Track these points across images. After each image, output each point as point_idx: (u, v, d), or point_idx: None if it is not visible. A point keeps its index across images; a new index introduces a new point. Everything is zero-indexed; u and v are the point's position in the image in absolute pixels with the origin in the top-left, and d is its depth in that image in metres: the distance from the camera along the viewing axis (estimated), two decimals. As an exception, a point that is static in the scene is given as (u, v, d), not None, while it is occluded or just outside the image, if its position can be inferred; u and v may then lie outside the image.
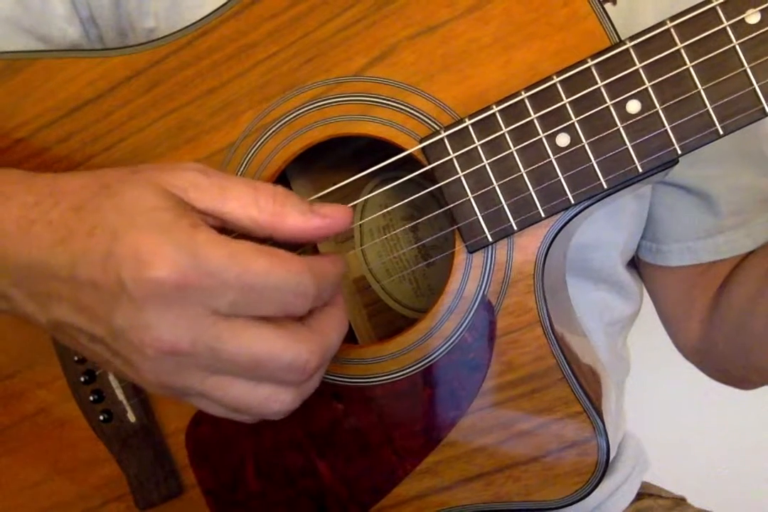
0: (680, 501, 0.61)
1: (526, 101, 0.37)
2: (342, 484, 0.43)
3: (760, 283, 0.51)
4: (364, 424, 0.42)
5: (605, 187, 0.37)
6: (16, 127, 0.45)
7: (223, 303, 0.31)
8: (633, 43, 0.35)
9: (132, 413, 0.46)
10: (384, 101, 0.40)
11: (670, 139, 0.36)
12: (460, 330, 0.40)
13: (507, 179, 0.38)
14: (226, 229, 0.34)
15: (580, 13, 0.37)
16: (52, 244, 0.33)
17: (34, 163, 0.45)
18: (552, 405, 0.39)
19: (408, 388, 0.41)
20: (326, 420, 0.43)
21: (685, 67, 0.35)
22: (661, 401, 1.00)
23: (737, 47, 0.34)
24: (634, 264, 0.60)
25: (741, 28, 0.34)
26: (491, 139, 0.38)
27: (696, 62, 0.35)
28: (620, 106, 0.36)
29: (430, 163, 0.39)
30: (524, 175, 0.38)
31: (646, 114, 0.36)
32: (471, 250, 0.39)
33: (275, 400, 0.33)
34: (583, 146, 0.37)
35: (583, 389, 0.39)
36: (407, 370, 0.41)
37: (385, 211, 0.47)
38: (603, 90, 0.36)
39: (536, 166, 0.37)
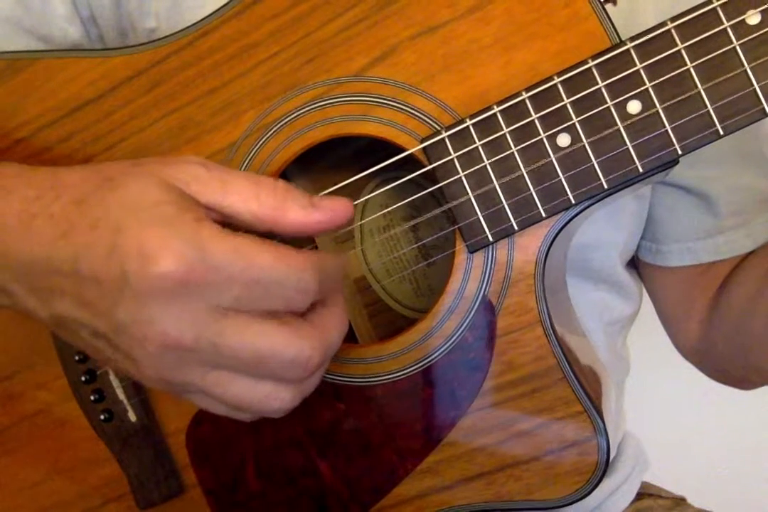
0: (680, 501, 0.61)
1: (527, 101, 0.37)
2: (343, 484, 0.43)
3: (760, 283, 0.51)
4: (365, 424, 0.42)
5: (606, 187, 0.37)
6: (16, 126, 0.45)
7: (228, 298, 0.31)
8: (634, 43, 0.36)
9: (133, 412, 0.46)
10: (385, 101, 0.40)
11: (671, 139, 0.36)
12: (461, 329, 0.40)
13: (508, 179, 0.38)
14: (228, 223, 0.34)
15: (581, 13, 0.37)
16: (54, 238, 0.33)
17: (34, 162, 0.45)
18: (552, 405, 0.39)
19: (409, 388, 0.41)
20: (327, 419, 0.43)
21: (685, 68, 0.35)
22: (661, 401, 1.00)
23: (738, 48, 0.35)
24: (634, 264, 0.60)
25: (741, 28, 0.34)
26: (492, 139, 0.38)
27: (696, 63, 0.35)
28: (621, 107, 0.36)
29: (431, 163, 0.39)
30: (525, 174, 0.38)
31: (646, 114, 0.36)
32: (472, 250, 0.39)
33: (275, 398, 0.33)
34: (584, 146, 0.37)
35: (584, 389, 0.39)
36: (408, 370, 0.41)
37: (385, 211, 0.47)
38: (604, 90, 0.36)
39: (537, 165, 0.37)
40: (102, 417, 0.47)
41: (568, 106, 0.37)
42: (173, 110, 0.43)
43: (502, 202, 0.38)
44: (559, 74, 0.36)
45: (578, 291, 0.53)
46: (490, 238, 0.39)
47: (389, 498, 0.42)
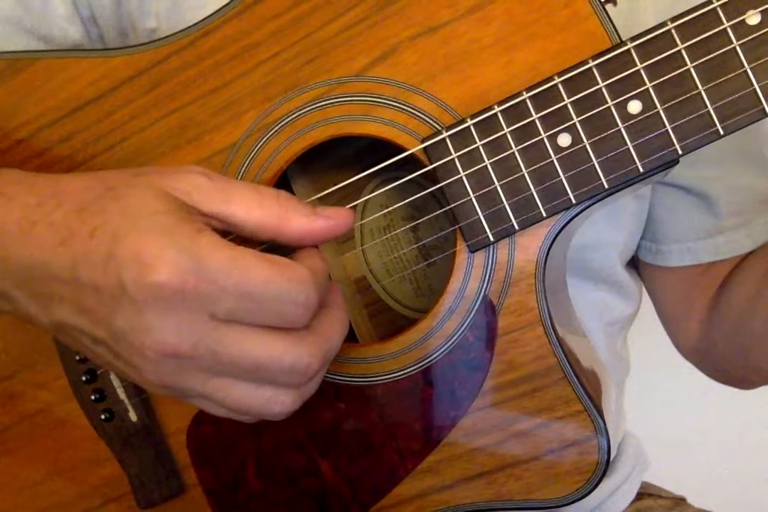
0: (680, 501, 0.61)
1: (528, 101, 0.37)
2: (343, 484, 0.43)
3: (760, 283, 0.51)
4: (365, 423, 0.42)
5: (606, 186, 0.37)
6: (17, 126, 0.45)
7: (221, 309, 0.31)
8: (634, 43, 0.36)
9: (133, 412, 0.46)
10: (386, 101, 0.40)
11: (671, 139, 0.36)
12: (462, 329, 0.40)
13: (508, 179, 0.38)
14: (230, 232, 0.34)
15: (582, 13, 0.37)
16: (54, 245, 0.33)
17: (35, 163, 0.45)
18: (553, 405, 0.39)
19: (409, 387, 0.41)
20: (327, 419, 0.43)
21: (686, 68, 0.35)
22: (661, 401, 1.00)
23: (738, 48, 0.35)
24: (634, 264, 0.60)
25: (741, 29, 0.35)
26: (493, 139, 0.38)
27: (697, 63, 0.35)
28: (621, 107, 0.36)
29: (431, 163, 0.39)
30: (526, 174, 0.38)
31: (647, 114, 0.36)
32: (472, 250, 0.39)
33: (276, 402, 0.34)
34: (585, 146, 0.37)
35: (584, 388, 0.39)
36: (408, 369, 0.41)
37: (386, 211, 0.47)
38: (604, 90, 0.36)
39: (538, 165, 0.37)
40: (102, 416, 0.47)
41: (569, 106, 0.37)
42: (174, 110, 0.43)
43: (502, 202, 0.38)
44: (560, 74, 0.37)
45: (578, 291, 0.53)
46: (491, 238, 0.39)
47: (390, 498, 0.42)
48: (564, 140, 0.37)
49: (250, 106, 0.42)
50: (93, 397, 0.46)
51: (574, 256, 0.46)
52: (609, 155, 0.37)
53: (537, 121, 0.37)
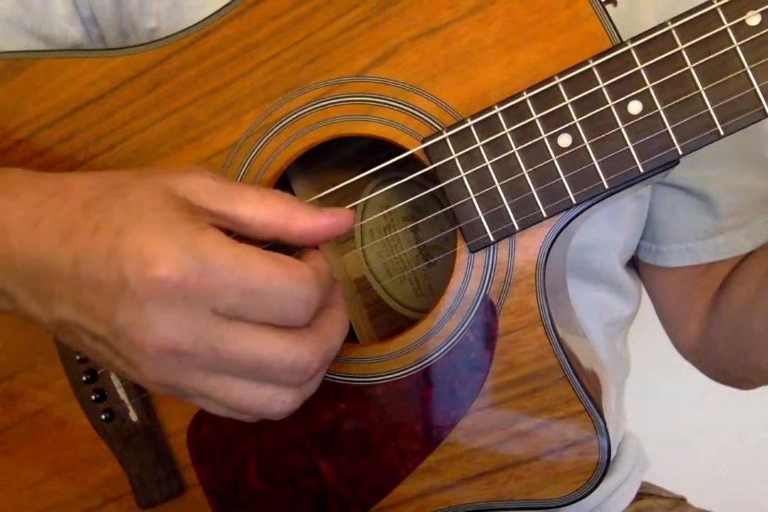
0: (680, 501, 0.61)
1: (528, 102, 0.37)
2: (344, 483, 0.43)
3: (760, 284, 0.51)
4: (366, 423, 0.42)
5: (606, 187, 0.37)
6: (17, 126, 0.45)
7: (222, 305, 0.31)
8: (635, 44, 0.36)
9: (134, 412, 0.46)
10: (386, 101, 0.40)
11: (671, 140, 0.36)
12: (462, 329, 0.40)
13: (509, 179, 0.38)
14: (235, 232, 0.35)
15: (582, 14, 0.37)
16: (57, 241, 0.33)
17: (36, 163, 0.45)
18: (553, 405, 0.39)
19: (409, 387, 0.41)
20: (328, 419, 0.43)
21: (686, 68, 0.35)
22: (661, 401, 1.00)
23: (738, 48, 0.35)
24: (633, 264, 0.60)
25: (742, 29, 0.35)
26: (493, 140, 0.38)
27: (697, 63, 0.35)
28: (622, 107, 0.36)
29: (432, 163, 0.39)
30: (526, 175, 0.38)
31: (647, 114, 0.36)
32: (473, 250, 0.39)
33: (276, 401, 0.34)
34: (585, 146, 0.37)
35: (585, 388, 0.39)
36: (409, 369, 0.41)
37: (386, 211, 0.47)
38: (605, 91, 0.36)
39: (538, 166, 0.38)
40: (103, 416, 0.47)
41: (569, 106, 0.37)
42: (174, 110, 0.43)
43: (503, 202, 0.38)
44: (560, 74, 0.37)
45: (578, 291, 0.53)
46: (491, 238, 0.39)
47: (390, 498, 0.42)
48: (564, 140, 0.37)
49: (251, 106, 0.42)
50: (93, 397, 0.46)
51: (574, 256, 0.46)
52: (609, 155, 0.37)
53: (537, 122, 0.37)
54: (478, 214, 0.39)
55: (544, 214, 0.38)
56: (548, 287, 0.40)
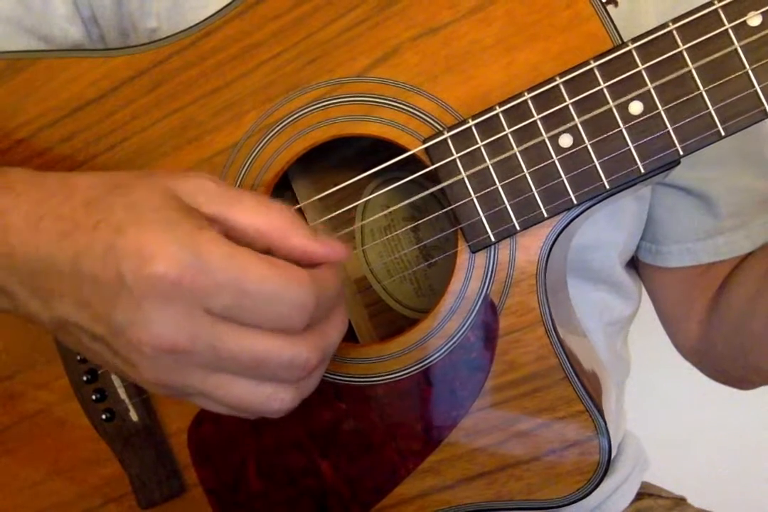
0: (680, 501, 0.61)
1: (529, 102, 0.37)
2: (344, 484, 0.43)
3: (759, 284, 0.51)
4: (366, 424, 0.42)
5: (607, 187, 0.37)
6: (18, 126, 0.45)
7: (217, 305, 0.31)
8: (636, 44, 0.36)
9: (134, 412, 0.46)
10: (387, 102, 0.40)
11: (672, 140, 0.36)
12: (463, 329, 0.40)
13: (510, 179, 0.38)
14: (229, 237, 0.34)
15: (583, 14, 0.37)
16: (58, 238, 0.33)
17: (36, 163, 0.45)
18: (554, 405, 0.39)
19: (410, 388, 0.41)
20: (328, 419, 0.43)
21: (687, 69, 0.35)
22: (661, 401, 1.00)
23: (739, 49, 0.35)
24: (633, 264, 0.60)
25: (742, 30, 0.35)
26: (494, 140, 0.38)
27: (698, 64, 0.35)
28: (623, 107, 0.36)
29: (433, 164, 0.39)
30: (527, 175, 0.38)
31: (648, 115, 0.36)
32: (474, 250, 0.39)
33: (276, 399, 0.34)
34: (586, 147, 0.37)
35: (585, 388, 0.39)
36: (409, 369, 0.41)
37: (386, 211, 0.47)
38: (606, 91, 0.36)
39: (539, 166, 0.38)
40: (103, 416, 0.47)
41: (570, 106, 0.37)
42: (175, 110, 0.43)
43: (504, 203, 0.38)
44: (561, 75, 0.37)
45: (578, 291, 0.53)
46: (492, 239, 0.39)
47: (390, 498, 0.42)
48: (565, 141, 0.37)
49: (252, 106, 0.42)
50: (94, 397, 0.46)
51: (574, 256, 0.46)
52: (610, 156, 0.37)
53: (538, 122, 0.37)
54: (479, 214, 0.39)
55: (545, 215, 0.38)
56: (549, 287, 0.40)
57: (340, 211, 0.44)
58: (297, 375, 0.33)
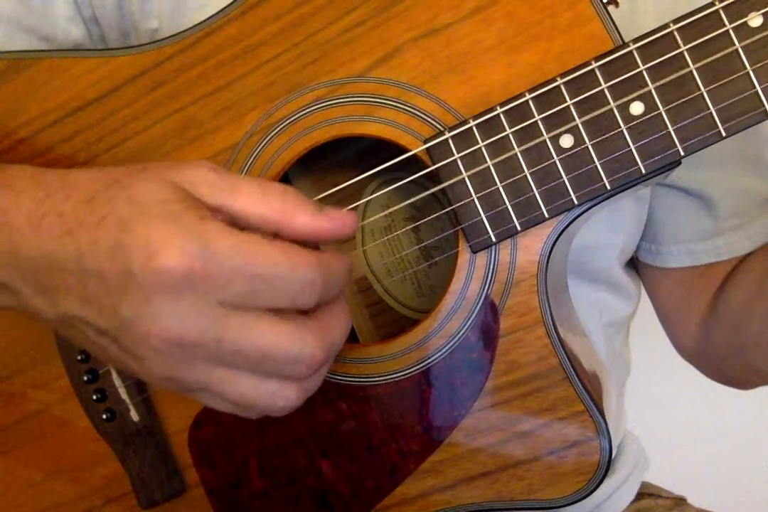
0: (680, 501, 0.61)
1: (530, 102, 0.37)
2: (345, 483, 0.43)
3: (758, 285, 0.51)
4: (368, 423, 0.42)
5: (608, 187, 0.37)
6: (19, 126, 0.45)
7: (231, 294, 0.31)
8: (637, 45, 0.36)
9: (135, 412, 0.46)
10: (388, 102, 0.40)
11: (673, 141, 0.36)
12: (464, 329, 0.40)
13: (511, 180, 0.38)
14: (235, 225, 0.34)
15: (584, 15, 0.37)
16: (61, 236, 0.33)
17: (37, 162, 0.45)
18: (555, 405, 0.39)
19: (411, 387, 0.41)
20: (329, 419, 0.43)
21: (688, 70, 0.35)
22: (661, 401, 1.00)
23: (740, 50, 0.35)
24: (633, 264, 0.60)
25: (743, 31, 0.35)
26: (495, 140, 0.38)
27: (699, 65, 0.35)
28: (624, 108, 0.36)
29: (434, 164, 0.39)
30: (528, 175, 0.38)
31: (649, 115, 0.36)
32: (474, 250, 0.39)
33: (280, 396, 0.34)
34: (587, 147, 0.37)
35: (586, 389, 0.39)
36: (410, 369, 0.41)
37: (387, 211, 0.47)
38: (607, 91, 0.36)
39: (540, 166, 0.38)
40: (104, 416, 0.47)
41: (571, 107, 0.37)
42: (176, 110, 0.43)
43: (505, 203, 0.38)
44: (562, 75, 0.37)
45: (577, 291, 0.53)
46: (493, 239, 0.39)
47: (392, 498, 0.42)
48: (566, 141, 0.37)
49: (253, 106, 0.42)
50: (94, 397, 0.46)
51: (573, 256, 0.46)
52: (611, 156, 0.37)
53: (539, 122, 0.37)
54: (480, 215, 0.39)
55: (546, 215, 0.38)
56: (550, 287, 0.40)
57: (341, 211, 0.44)
58: (302, 371, 0.33)
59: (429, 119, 0.39)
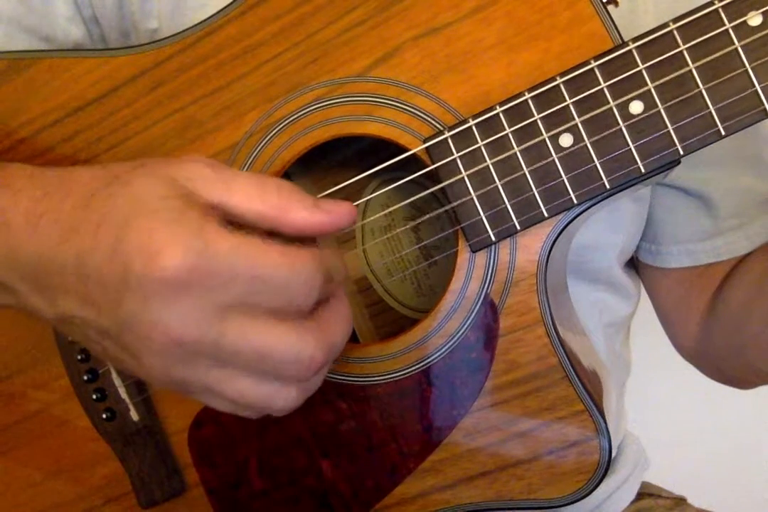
0: (680, 501, 0.61)
1: (530, 102, 0.37)
2: (345, 483, 0.43)
3: (757, 285, 0.51)
4: (368, 423, 0.42)
5: (608, 187, 0.37)
6: (19, 126, 0.45)
7: (231, 295, 0.31)
8: (636, 44, 0.36)
9: (135, 412, 0.46)
10: (388, 101, 0.40)
11: (673, 140, 0.36)
12: (463, 329, 0.40)
13: (510, 179, 0.38)
14: (231, 222, 0.34)
15: (584, 14, 0.37)
16: (60, 237, 0.33)
17: (37, 162, 0.45)
18: (554, 405, 0.39)
19: (410, 387, 0.41)
20: (329, 418, 0.43)
21: (687, 69, 0.35)
22: (661, 401, 1.00)
23: (739, 49, 0.35)
24: (633, 264, 0.60)
25: (743, 30, 0.35)
26: (495, 139, 0.38)
27: (698, 64, 0.35)
28: (623, 107, 0.36)
29: (433, 163, 0.39)
30: (527, 174, 0.38)
31: (648, 114, 0.36)
32: (474, 250, 0.39)
33: (280, 397, 0.34)
34: (586, 146, 0.37)
35: (586, 388, 0.39)
36: (410, 369, 0.41)
37: (387, 211, 0.47)
38: (606, 91, 0.36)
39: (539, 165, 0.38)
40: (104, 416, 0.47)
41: (571, 106, 0.37)
42: (176, 110, 0.43)
43: (504, 202, 0.38)
44: (562, 74, 0.37)
45: (577, 291, 0.53)
46: (493, 238, 0.39)
47: (391, 497, 0.42)
48: (566, 140, 0.37)
49: (253, 106, 0.42)
50: (94, 397, 0.47)
51: (573, 256, 0.46)
52: (611, 155, 0.37)
53: (539, 121, 0.37)
54: (479, 214, 0.39)
55: (546, 214, 0.38)
56: (549, 287, 0.40)
57: (341, 211, 0.44)
58: (301, 373, 0.33)
59: (428, 119, 0.39)
